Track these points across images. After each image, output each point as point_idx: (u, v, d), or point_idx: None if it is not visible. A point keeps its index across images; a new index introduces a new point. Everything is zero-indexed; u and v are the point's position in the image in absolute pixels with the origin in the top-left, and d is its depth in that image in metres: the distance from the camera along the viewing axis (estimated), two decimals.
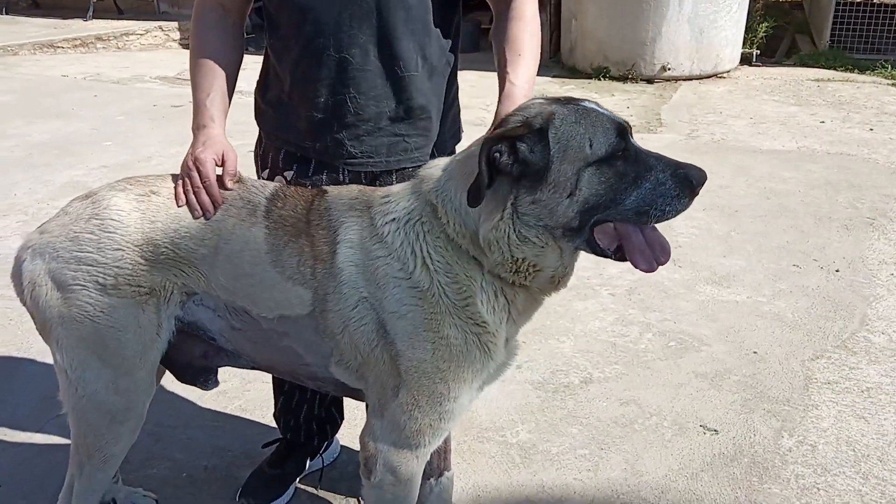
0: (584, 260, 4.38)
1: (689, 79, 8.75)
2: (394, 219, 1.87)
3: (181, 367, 2.12)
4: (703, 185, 1.75)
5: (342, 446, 2.83)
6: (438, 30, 2.14)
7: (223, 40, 2.18)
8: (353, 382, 1.98)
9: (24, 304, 2.01)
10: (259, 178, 2.34)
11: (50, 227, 1.98)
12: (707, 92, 8.27)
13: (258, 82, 2.31)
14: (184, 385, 2.83)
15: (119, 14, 12.42)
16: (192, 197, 1.96)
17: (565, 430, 2.94)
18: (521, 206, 1.72)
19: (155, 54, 10.53)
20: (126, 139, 6.29)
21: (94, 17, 12.10)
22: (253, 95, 2.34)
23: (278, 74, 2.20)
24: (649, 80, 8.73)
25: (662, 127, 6.94)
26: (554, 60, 9.78)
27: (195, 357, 2.08)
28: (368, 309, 1.86)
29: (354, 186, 2.04)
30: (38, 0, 13.63)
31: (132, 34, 10.99)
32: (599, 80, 8.82)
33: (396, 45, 2.08)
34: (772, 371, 3.31)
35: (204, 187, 1.96)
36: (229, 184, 2.00)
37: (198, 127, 2.12)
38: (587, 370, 3.32)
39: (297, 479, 2.65)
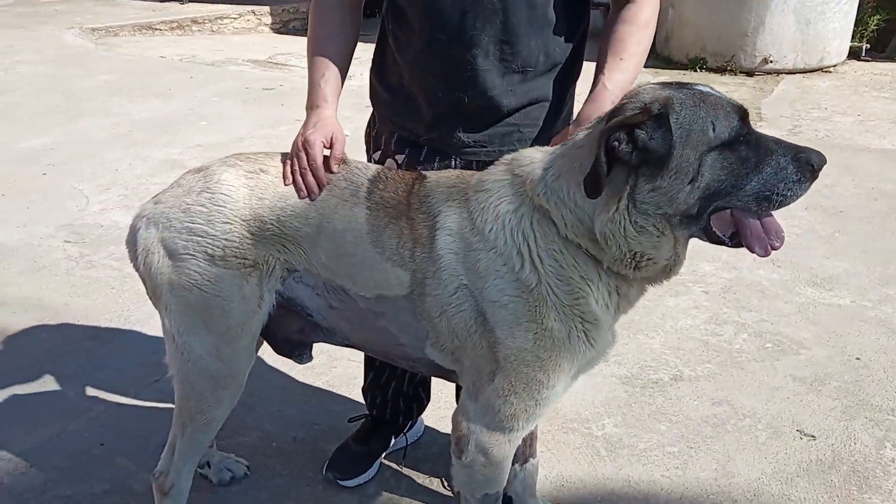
0: None
1: (793, 72, 8.43)
2: (495, 217, 1.86)
3: (279, 340, 2.17)
4: (822, 168, 1.74)
5: (426, 426, 2.87)
6: (564, 25, 2.12)
7: (341, 21, 2.21)
8: (447, 364, 2.00)
9: (137, 271, 2.10)
10: (370, 159, 2.40)
11: (164, 197, 2.07)
12: (811, 87, 7.98)
13: (374, 64, 2.35)
14: (274, 360, 2.96)
15: None
16: (299, 178, 2.01)
17: (653, 426, 2.90)
18: (638, 195, 1.70)
19: (247, 38, 10.77)
20: (220, 120, 6.47)
21: (190, 0, 12.44)
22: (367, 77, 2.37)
23: (397, 63, 2.23)
24: (749, 73, 8.46)
25: (763, 122, 6.73)
26: None
27: (293, 332, 2.14)
28: (468, 296, 1.87)
29: (453, 171, 2.05)
30: None
31: (226, 18, 11.26)
32: (696, 71, 8.59)
33: (518, 44, 2.09)
34: (875, 379, 3.19)
35: (310, 169, 2.01)
36: (335, 167, 2.04)
37: (311, 107, 2.18)
38: (677, 367, 3.26)
39: (382, 457, 2.70)
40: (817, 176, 1.74)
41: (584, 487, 2.61)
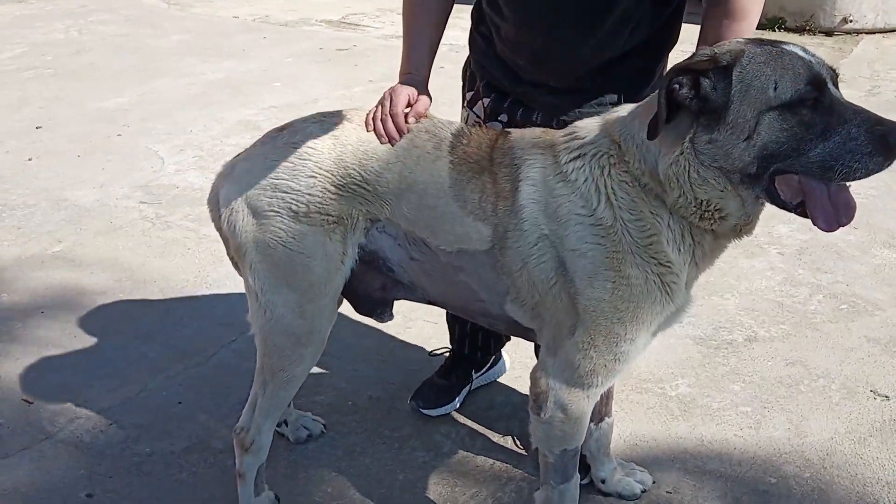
0: None
1: (872, 32, 8.15)
2: (579, 155, 1.88)
3: (361, 298, 2.21)
4: None
5: (502, 383, 2.91)
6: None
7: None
8: (527, 321, 2.01)
9: (220, 230, 2.15)
10: (464, 96, 2.46)
11: (247, 155, 2.12)
12: (892, 47, 7.69)
13: (473, 9, 2.40)
14: (349, 321, 3.00)
15: None
16: (379, 124, 2.05)
17: (727, 386, 2.89)
18: (698, 145, 1.70)
19: None
20: (293, 81, 6.48)
21: None
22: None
23: (491, 19, 2.27)
24: (828, 33, 8.20)
25: (841, 82, 6.45)
26: None
27: (374, 289, 2.17)
28: (549, 246, 1.87)
29: (538, 129, 2.05)
30: None
31: None
32: (774, 31, 8.34)
33: (602, 28, 2.10)
34: None
35: (391, 116, 2.05)
36: (412, 121, 2.06)
37: (402, 73, 2.24)
38: (752, 328, 3.23)
39: (464, 392, 2.80)
40: (894, 154, 1.61)
41: (657, 446, 2.62)
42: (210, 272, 3.68)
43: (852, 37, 8.07)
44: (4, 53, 7.12)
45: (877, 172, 1.63)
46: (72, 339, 3.21)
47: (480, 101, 2.35)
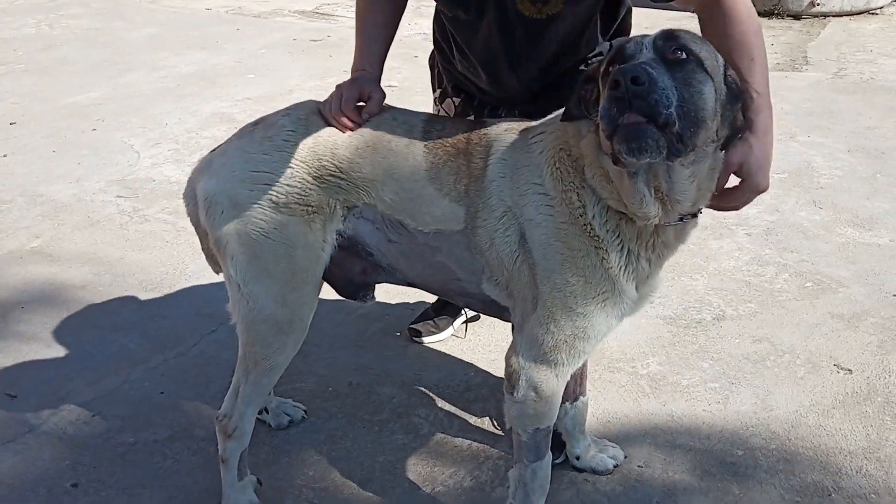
0: None
1: (839, 15, 8.27)
2: (543, 131, 1.99)
3: (342, 282, 2.27)
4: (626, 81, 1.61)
5: (478, 366, 2.98)
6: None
7: None
8: (503, 300, 2.08)
9: (198, 223, 2.19)
10: (434, 89, 2.55)
11: (223, 149, 2.16)
12: (857, 29, 7.83)
13: (435, 19, 2.45)
14: (328, 309, 3.05)
15: None
16: (332, 119, 2.12)
17: (696, 363, 2.98)
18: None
19: None
20: (268, 72, 6.49)
21: None
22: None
23: (447, 31, 2.34)
24: (796, 17, 8.30)
25: (808, 65, 6.65)
26: None
27: (355, 274, 2.22)
28: (512, 219, 1.96)
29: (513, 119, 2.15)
30: None
31: None
32: None
33: (547, 58, 2.22)
34: None
35: (344, 111, 2.11)
36: (366, 116, 2.13)
37: (353, 70, 2.29)
38: (720, 307, 3.32)
39: (457, 321, 3.16)
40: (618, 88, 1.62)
41: (629, 423, 2.70)
42: (189, 264, 3.71)
43: (820, 20, 8.19)
44: None
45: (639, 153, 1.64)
46: (52, 333, 3.24)
47: (450, 100, 2.41)
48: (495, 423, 2.70)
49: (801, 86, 6.10)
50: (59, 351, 3.12)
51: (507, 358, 2.07)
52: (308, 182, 2.06)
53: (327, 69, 6.51)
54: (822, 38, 7.55)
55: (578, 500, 2.40)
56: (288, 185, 2.05)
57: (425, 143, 2.06)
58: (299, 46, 7.30)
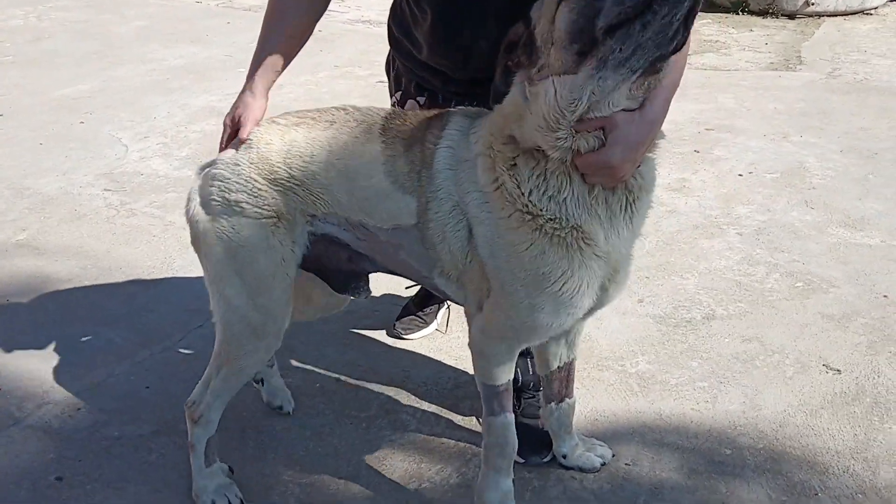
0: (713, 199, 4.36)
1: (834, 15, 8.27)
2: (481, 122, 1.94)
3: (333, 273, 2.25)
4: None
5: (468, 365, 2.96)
6: None
7: (300, 4, 2.24)
8: (453, 293, 2.09)
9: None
10: (391, 96, 2.49)
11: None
12: (852, 29, 7.84)
13: (392, 12, 2.42)
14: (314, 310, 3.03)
15: None
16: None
17: (685, 363, 2.97)
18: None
19: None
20: None
21: None
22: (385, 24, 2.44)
23: (411, 20, 2.30)
24: (790, 16, 8.31)
25: (802, 65, 6.65)
26: None
27: (343, 261, 2.20)
28: (461, 214, 1.93)
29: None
30: None
31: None
32: (738, 14, 8.44)
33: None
34: None
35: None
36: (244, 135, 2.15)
37: (242, 90, 2.25)
38: (710, 307, 3.31)
39: (440, 314, 3.18)
40: None
41: (616, 421, 2.69)
42: (176, 258, 3.69)
43: (814, 19, 8.19)
44: None
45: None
46: (38, 326, 3.21)
47: (413, 101, 2.37)
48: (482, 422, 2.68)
49: (794, 85, 6.10)
50: (44, 344, 3.09)
51: (469, 328, 2.11)
52: (261, 187, 2.08)
53: (318, 64, 6.48)
54: (816, 37, 7.56)
55: (565, 498, 2.39)
56: (244, 190, 2.08)
57: (384, 138, 2.03)
58: None
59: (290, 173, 2.07)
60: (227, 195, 2.09)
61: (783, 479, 2.45)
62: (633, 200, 1.88)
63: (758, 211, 4.11)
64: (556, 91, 1.70)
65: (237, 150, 2.14)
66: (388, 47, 2.53)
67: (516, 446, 2.23)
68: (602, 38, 1.60)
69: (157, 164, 4.69)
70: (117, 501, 2.39)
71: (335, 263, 2.21)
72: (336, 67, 6.25)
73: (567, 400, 2.44)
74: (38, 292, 3.45)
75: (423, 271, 2.09)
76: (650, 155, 1.90)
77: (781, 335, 3.12)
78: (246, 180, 2.08)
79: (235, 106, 2.20)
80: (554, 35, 1.68)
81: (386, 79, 2.62)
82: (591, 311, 2.04)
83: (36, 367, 2.96)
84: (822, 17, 8.24)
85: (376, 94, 5.50)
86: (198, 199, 2.13)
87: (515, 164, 1.84)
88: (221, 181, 2.10)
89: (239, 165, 2.10)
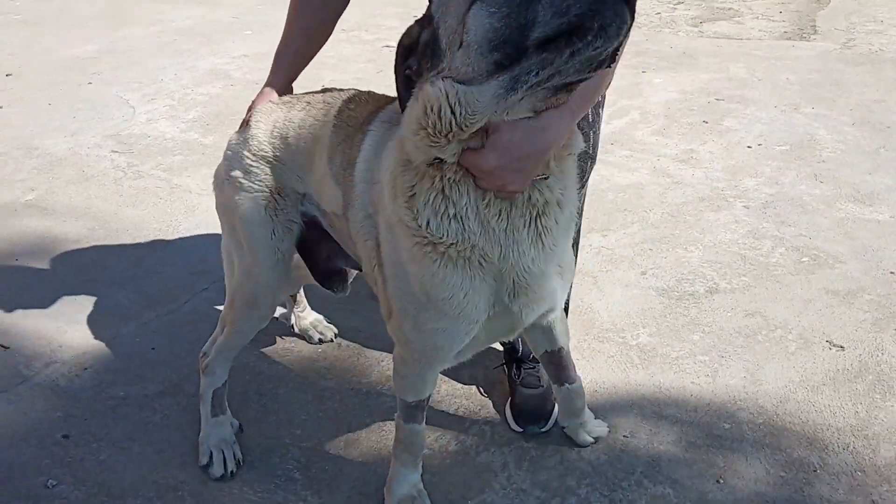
0: (720, 171, 4.35)
1: None
2: (390, 139, 1.79)
3: (317, 266, 2.31)
4: None
5: None
6: None
7: (320, 2, 2.31)
8: (373, 288, 2.04)
9: None
10: None
11: None
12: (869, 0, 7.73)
13: None
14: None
15: None
16: None
17: (686, 336, 2.97)
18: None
19: None
20: (265, 28, 6.40)
21: None
22: None
23: None
24: None
25: (816, 35, 6.57)
26: None
27: (323, 258, 2.28)
28: (371, 227, 1.88)
29: None
30: None
31: None
32: None
33: None
34: None
35: None
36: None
37: (263, 86, 2.33)
38: (713, 280, 3.31)
39: None
40: None
41: (616, 393, 2.70)
42: (182, 221, 3.71)
43: None
44: None
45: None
46: (46, 286, 3.24)
47: None
48: (482, 390, 2.71)
49: (807, 55, 6.03)
50: (51, 304, 3.12)
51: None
52: (252, 164, 2.17)
53: None
54: (832, 6, 7.45)
55: (562, 468, 2.40)
56: (240, 167, 2.18)
57: (335, 122, 2.03)
58: None
59: (273, 152, 2.16)
60: (229, 171, 2.20)
61: (782, 454, 2.46)
62: (538, 216, 1.71)
63: (766, 184, 4.08)
64: (455, 96, 1.48)
65: (239, 131, 2.25)
66: (398, 9, 2.54)
67: (423, 447, 2.24)
68: (532, 52, 1.38)
69: (163, 127, 4.70)
70: (122, 460, 2.43)
71: (316, 256, 2.27)
72: (343, 31, 6.19)
73: (568, 385, 2.39)
74: (47, 252, 3.48)
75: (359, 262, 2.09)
76: (569, 167, 1.75)
77: (785, 310, 3.12)
78: (241, 157, 2.19)
79: (261, 94, 2.31)
80: (464, 38, 1.45)
81: (392, 44, 2.60)
82: (509, 331, 1.97)
83: (44, 326, 2.99)
84: None
85: (382, 59, 5.48)
86: (216, 175, 2.31)
87: (413, 195, 1.68)
88: (226, 159, 2.23)
89: (236, 144, 2.21)
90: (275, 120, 2.18)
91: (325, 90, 2.23)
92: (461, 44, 1.46)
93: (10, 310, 3.08)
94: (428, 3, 1.68)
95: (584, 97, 1.66)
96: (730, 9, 7.23)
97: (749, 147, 4.51)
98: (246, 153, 2.17)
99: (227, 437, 2.43)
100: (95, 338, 2.94)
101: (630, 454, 2.46)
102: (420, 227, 1.69)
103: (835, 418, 2.60)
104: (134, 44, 6.05)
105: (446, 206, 1.67)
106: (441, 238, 1.69)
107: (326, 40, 2.37)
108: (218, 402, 2.45)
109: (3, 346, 2.87)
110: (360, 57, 5.74)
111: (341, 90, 2.19)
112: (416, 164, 1.65)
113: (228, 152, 2.23)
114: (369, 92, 2.13)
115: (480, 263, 1.72)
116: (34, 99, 5.04)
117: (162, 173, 4.15)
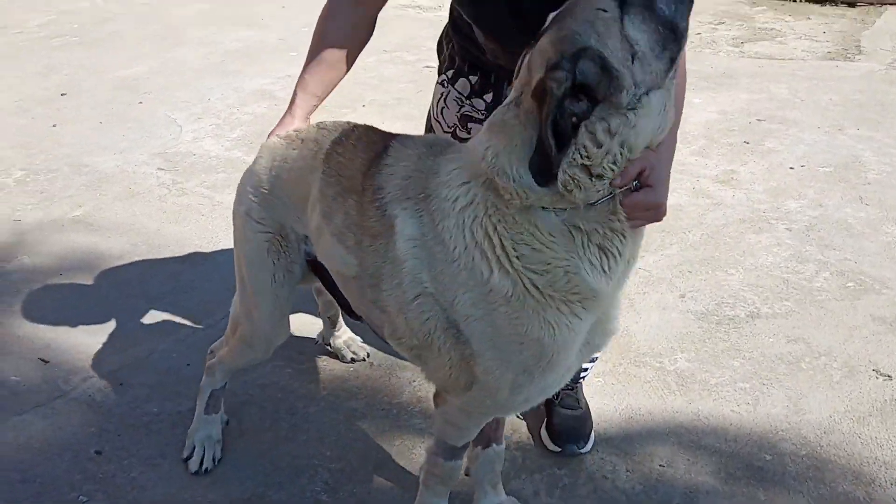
0: (762, 192, 4.26)
1: None
2: (455, 222, 1.64)
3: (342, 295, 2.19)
4: None
5: None
6: None
7: (344, 33, 2.30)
8: (407, 355, 1.88)
9: None
10: (440, 74, 2.47)
11: None
12: None
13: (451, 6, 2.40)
14: None
15: None
16: None
17: (726, 362, 2.91)
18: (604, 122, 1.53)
19: None
20: None
21: None
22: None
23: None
24: (850, 3, 8.00)
25: (861, 55, 6.42)
26: None
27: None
28: (433, 305, 1.70)
29: (415, 152, 1.83)
30: None
31: None
32: (794, 1, 8.20)
33: None
34: None
35: None
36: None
37: (284, 114, 2.27)
38: (755, 304, 3.24)
39: None
40: None
41: (652, 420, 2.65)
42: (222, 238, 3.74)
43: (875, 7, 7.88)
44: (34, 21, 7.17)
45: None
46: (88, 301, 3.29)
47: (465, 79, 2.35)
48: (517, 413, 2.67)
49: (852, 76, 5.90)
50: (92, 319, 3.16)
51: (434, 395, 1.97)
52: (255, 201, 2.14)
53: (366, 48, 6.40)
54: (877, 26, 7.28)
55: (596, 497, 2.36)
56: (245, 202, 2.17)
57: (325, 167, 1.93)
58: None
59: (272, 190, 2.11)
60: (238, 206, 2.20)
61: (826, 488, 2.38)
62: (623, 233, 1.66)
63: (809, 206, 3.99)
64: (657, 110, 1.54)
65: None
66: (440, 30, 2.53)
67: (457, 480, 2.13)
68: (682, 36, 1.56)
69: (209, 145, 4.76)
70: (153, 477, 2.44)
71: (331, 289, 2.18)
72: (385, 52, 6.23)
73: (493, 446, 2.21)
74: (91, 268, 3.53)
75: (373, 322, 1.96)
76: None
77: (829, 337, 3.03)
78: (246, 193, 2.16)
79: (280, 126, 2.24)
80: (635, 49, 1.49)
81: (434, 64, 2.61)
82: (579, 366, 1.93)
83: (83, 341, 3.03)
84: (884, 5, 7.91)
85: (423, 80, 5.49)
86: (233, 207, 2.26)
87: (549, 264, 1.59)
88: (237, 193, 2.22)
89: (245, 177, 2.20)
90: (273, 157, 2.12)
91: (318, 126, 2.11)
92: (633, 57, 1.49)
93: (52, 324, 3.12)
94: (520, 61, 1.63)
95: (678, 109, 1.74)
96: (772, 29, 7.12)
97: (791, 168, 4.42)
98: (250, 189, 2.15)
99: (213, 435, 2.49)
100: (132, 353, 2.98)
101: (666, 484, 2.40)
102: (558, 289, 1.60)
103: (882, 451, 2.52)
104: (184, 65, 6.15)
105: (602, 259, 1.62)
106: (592, 295, 1.63)
107: (349, 68, 2.30)
108: (214, 402, 2.51)
109: (43, 360, 2.92)
110: (401, 77, 5.77)
111: (333, 124, 2.08)
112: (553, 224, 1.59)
113: (239, 185, 2.21)
114: (355, 127, 2.03)
115: (584, 307, 1.66)
116: (86, 117, 5.15)
117: (205, 191, 4.21)
